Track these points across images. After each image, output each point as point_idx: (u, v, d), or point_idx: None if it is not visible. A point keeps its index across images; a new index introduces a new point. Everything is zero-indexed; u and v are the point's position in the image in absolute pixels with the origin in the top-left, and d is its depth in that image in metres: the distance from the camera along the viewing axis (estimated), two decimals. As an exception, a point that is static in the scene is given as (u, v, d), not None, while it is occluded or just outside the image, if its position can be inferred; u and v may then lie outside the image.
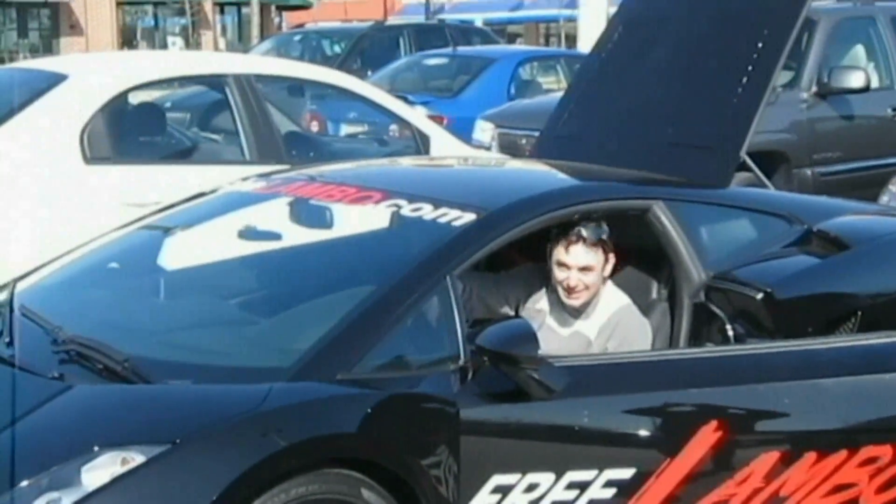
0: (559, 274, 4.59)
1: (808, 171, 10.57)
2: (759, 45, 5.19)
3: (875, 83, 11.21)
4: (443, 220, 4.35)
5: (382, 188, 4.73)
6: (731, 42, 5.32)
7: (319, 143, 8.71)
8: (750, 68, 5.19)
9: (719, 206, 5.08)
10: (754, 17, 5.31)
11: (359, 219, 4.62)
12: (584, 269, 4.55)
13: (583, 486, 3.83)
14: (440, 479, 3.74)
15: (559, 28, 52.26)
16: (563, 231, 4.52)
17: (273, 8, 52.64)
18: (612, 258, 4.62)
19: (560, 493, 3.82)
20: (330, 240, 4.72)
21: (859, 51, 11.57)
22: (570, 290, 4.59)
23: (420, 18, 34.28)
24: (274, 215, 4.79)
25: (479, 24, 33.00)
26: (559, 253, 4.56)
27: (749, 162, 5.42)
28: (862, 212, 5.81)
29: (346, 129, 9.34)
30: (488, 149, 11.28)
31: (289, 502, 3.51)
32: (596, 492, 3.84)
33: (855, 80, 10.86)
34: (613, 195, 4.87)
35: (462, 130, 11.21)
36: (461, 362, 3.87)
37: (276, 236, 4.75)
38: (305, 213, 4.79)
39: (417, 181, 5.01)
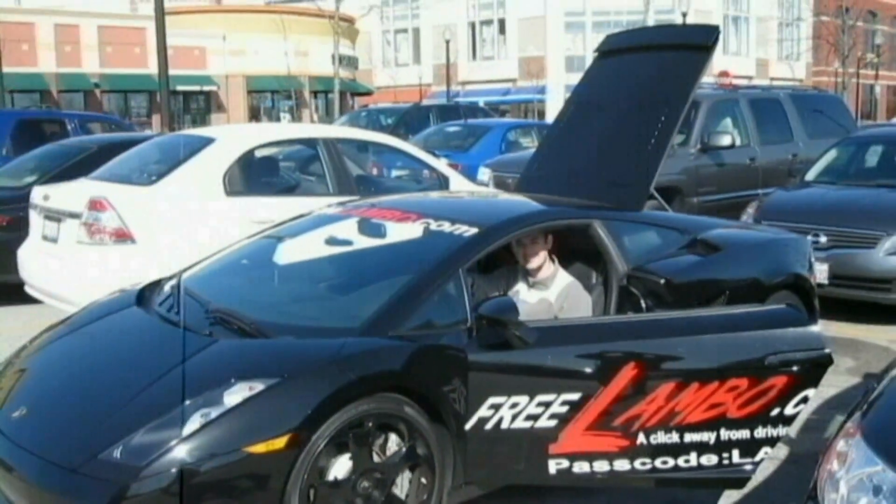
0: (520, 250, 4.70)
1: (695, 200, 10.51)
2: (662, 118, 5.19)
3: (738, 142, 11.20)
4: (457, 232, 4.36)
5: (417, 211, 4.74)
6: (643, 117, 5.30)
7: (378, 182, 8.70)
8: (656, 133, 5.18)
9: (636, 223, 5.07)
10: (658, 101, 5.30)
11: (402, 232, 4.61)
12: (533, 242, 4.62)
13: (547, 404, 3.82)
14: (455, 399, 3.75)
15: (534, 107, 52.22)
16: None
17: (349, 94, 52.74)
18: (550, 237, 4.70)
19: (532, 408, 3.81)
20: (383, 245, 4.72)
21: (728, 121, 11.52)
22: (526, 258, 4.66)
23: (443, 100, 34.25)
24: (348, 229, 4.79)
25: (481, 104, 32.93)
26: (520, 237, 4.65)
27: (655, 194, 5.42)
28: (729, 226, 5.81)
29: (395, 173, 9.31)
30: (487, 185, 11.30)
31: (357, 415, 3.53)
32: (556, 408, 3.83)
33: (725, 140, 10.87)
34: (567, 216, 4.85)
35: (470, 174, 11.21)
36: (469, 324, 3.88)
37: (349, 243, 4.76)
38: (368, 228, 4.79)
39: (440, 207, 5.01)
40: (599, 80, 6.02)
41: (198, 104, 49.76)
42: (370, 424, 3.58)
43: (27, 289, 7.23)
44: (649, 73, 5.61)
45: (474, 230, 4.33)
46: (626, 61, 5.95)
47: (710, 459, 3.97)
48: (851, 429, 2.56)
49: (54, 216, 6.97)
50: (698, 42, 5.45)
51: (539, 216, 4.76)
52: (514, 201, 5.38)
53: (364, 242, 4.72)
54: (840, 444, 2.54)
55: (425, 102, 33.34)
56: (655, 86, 5.45)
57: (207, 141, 7.05)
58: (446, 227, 4.43)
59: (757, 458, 4.01)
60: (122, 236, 6.47)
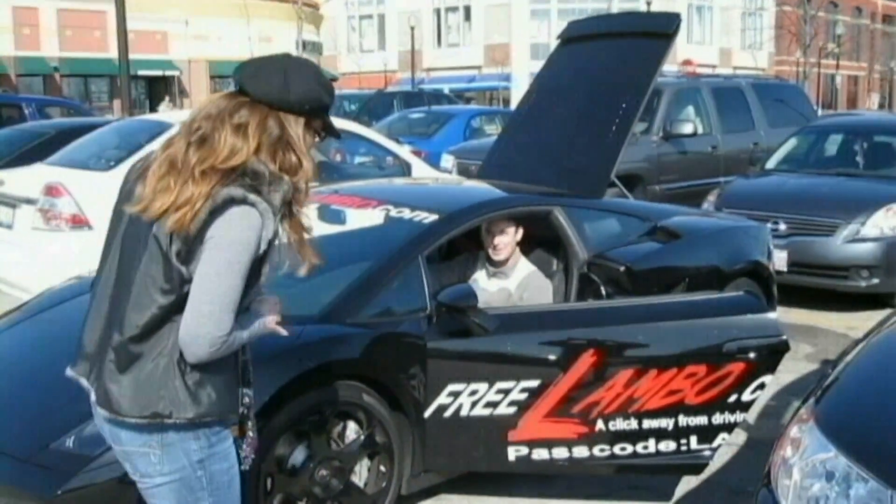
0: (489, 239, 4.63)
1: (657, 188, 10.56)
2: (623, 106, 5.19)
3: (700, 130, 11.26)
4: (416, 219, 4.34)
5: (378, 198, 4.71)
6: (605, 104, 5.30)
7: (340, 168, 8.65)
8: (616, 121, 5.18)
9: (597, 210, 5.08)
10: (619, 89, 5.30)
11: (362, 218, 4.59)
12: (502, 233, 4.58)
13: (506, 392, 3.82)
14: (414, 387, 3.75)
15: (499, 94, 52.23)
16: None
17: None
18: (520, 230, 4.64)
19: (492, 396, 3.80)
20: (344, 232, 4.69)
21: (690, 109, 11.59)
22: (494, 248, 4.62)
23: (408, 87, 34.16)
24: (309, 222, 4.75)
25: (446, 91, 32.89)
26: (490, 226, 4.60)
27: (616, 181, 5.43)
28: (689, 214, 5.83)
29: (358, 160, 9.25)
30: (450, 172, 11.27)
31: (316, 402, 3.52)
32: (515, 395, 3.82)
33: (687, 128, 10.94)
34: (529, 203, 4.85)
35: (434, 161, 11.19)
36: (428, 311, 3.87)
37: (308, 231, 4.71)
38: (328, 214, 4.76)
39: (401, 193, 4.99)
40: (561, 67, 6.01)
41: (166, 88, 49.06)
42: (328, 412, 3.57)
43: (-19, 276, 7.10)
44: (611, 60, 5.60)
45: (434, 217, 4.31)
46: (588, 48, 5.94)
47: (668, 446, 3.99)
48: (805, 415, 2.58)
49: (9, 202, 6.85)
50: (660, 29, 5.45)
51: (499, 203, 4.74)
52: (475, 188, 5.37)
53: (323, 229, 4.67)
54: (793, 431, 2.56)
55: (390, 89, 33.21)
56: (617, 73, 5.45)
57: (166, 126, 6.95)
58: (406, 213, 4.41)
59: (714, 444, 4.03)
60: (79, 222, 6.38)
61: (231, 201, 2.20)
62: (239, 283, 2.22)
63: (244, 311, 2.33)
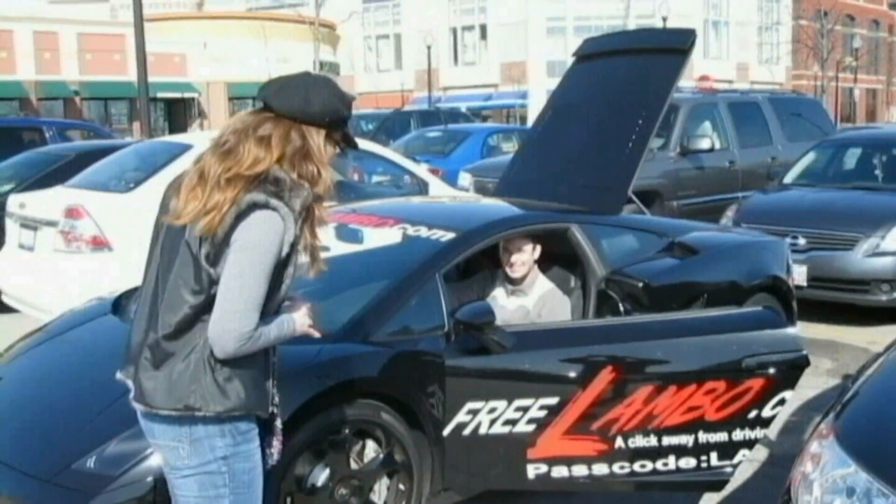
0: (506, 257, 4.63)
1: (675, 203, 10.53)
2: (639, 122, 5.20)
3: (717, 146, 11.24)
4: (434, 237, 4.35)
5: (395, 216, 4.73)
6: (621, 121, 5.31)
7: (358, 188, 8.68)
8: (633, 137, 5.19)
9: (614, 227, 5.08)
10: (635, 105, 5.31)
11: (379, 237, 4.60)
12: (519, 251, 4.57)
13: (525, 409, 3.81)
14: (433, 404, 3.74)
15: (516, 112, 52.32)
16: None
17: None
18: (538, 248, 4.65)
19: (510, 413, 3.79)
20: (361, 251, 4.70)
21: (707, 125, 11.57)
22: (511, 266, 4.61)
23: (424, 106, 34.26)
24: (325, 235, 4.76)
25: (463, 109, 32.97)
26: (507, 244, 4.62)
27: (633, 198, 5.43)
28: (706, 229, 5.82)
29: (376, 179, 9.29)
30: (468, 191, 11.29)
31: (335, 421, 3.52)
32: (534, 413, 3.81)
33: (704, 143, 10.91)
34: (546, 220, 4.86)
35: (451, 179, 11.23)
36: (446, 329, 3.88)
37: (325, 248, 4.72)
38: (345, 233, 4.77)
39: (418, 212, 5.01)
40: (577, 84, 6.03)
41: (185, 110, 49.33)
42: (347, 431, 3.57)
43: (4, 298, 7.18)
44: (627, 76, 5.62)
45: (451, 235, 4.32)
46: (603, 65, 5.96)
47: (688, 462, 3.97)
48: (825, 430, 2.56)
49: (31, 224, 6.92)
50: (675, 45, 5.46)
51: (516, 220, 4.75)
52: (491, 206, 5.38)
53: (341, 248, 4.69)
54: (814, 446, 2.54)
55: (406, 108, 33.30)
56: (633, 89, 5.46)
57: (185, 147, 7.00)
58: (423, 231, 4.42)
59: (735, 461, 4.00)
60: (99, 244, 6.43)
61: (254, 206, 2.37)
62: (263, 282, 2.39)
63: (275, 314, 2.50)
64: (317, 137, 2.50)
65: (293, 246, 2.45)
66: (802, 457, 2.57)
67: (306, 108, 2.47)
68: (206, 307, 2.40)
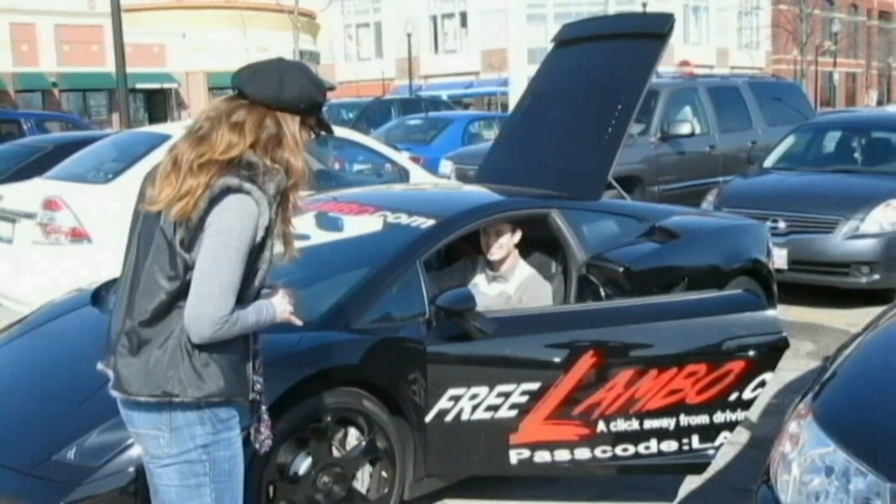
0: (485, 240, 4.63)
1: (656, 188, 10.55)
2: (618, 107, 5.19)
3: (697, 130, 11.25)
4: (414, 224, 4.35)
5: (375, 204, 4.72)
6: (600, 106, 5.30)
7: (339, 176, 8.65)
8: (613, 122, 5.17)
9: (594, 212, 5.08)
10: (614, 90, 5.30)
11: (359, 225, 4.59)
12: (498, 234, 4.57)
13: (507, 395, 3.81)
14: (415, 391, 3.75)
15: (497, 99, 52.27)
16: None
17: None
18: (518, 232, 4.64)
19: (492, 399, 3.80)
20: (341, 238, 4.69)
21: (687, 110, 11.57)
22: (489, 249, 4.61)
23: (405, 94, 34.17)
24: (305, 223, 4.76)
25: (444, 97, 32.88)
26: (486, 228, 4.61)
27: (614, 183, 5.43)
28: (687, 213, 5.84)
29: (356, 167, 9.26)
30: (449, 178, 11.28)
31: (317, 409, 3.52)
32: (515, 398, 3.82)
33: (684, 128, 10.94)
34: (526, 206, 4.85)
35: (432, 167, 11.21)
36: (427, 316, 3.88)
37: (306, 237, 4.72)
38: (326, 221, 4.76)
39: (398, 199, 5.00)
40: (556, 69, 6.02)
41: (164, 101, 49.00)
42: (329, 419, 3.57)
43: (-18, 291, 7.11)
44: (606, 61, 5.60)
45: (431, 222, 4.32)
46: (582, 50, 5.94)
47: (670, 445, 3.98)
48: (803, 410, 2.58)
49: (9, 217, 6.87)
50: (654, 30, 5.46)
51: (496, 207, 4.75)
52: (472, 192, 5.37)
53: (321, 236, 4.68)
54: (792, 426, 2.56)
55: (387, 96, 33.22)
56: (612, 74, 5.45)
57: (164, 137, 6.95)
58: (403, 219, 4.42)
59: (717, 443, 4.02)
60: (78, 236, 6.39)
61: (228, 190, 2.36)
62: (238, 266, 2.38)
63: (253, 300, 2.49)
64: (292, 124, 2.50)
65: (268, 230, 2.44)
66: (781, 437, 2.58)
67: (280, 94, 2.46)
68: (182, 293, 2.39)
